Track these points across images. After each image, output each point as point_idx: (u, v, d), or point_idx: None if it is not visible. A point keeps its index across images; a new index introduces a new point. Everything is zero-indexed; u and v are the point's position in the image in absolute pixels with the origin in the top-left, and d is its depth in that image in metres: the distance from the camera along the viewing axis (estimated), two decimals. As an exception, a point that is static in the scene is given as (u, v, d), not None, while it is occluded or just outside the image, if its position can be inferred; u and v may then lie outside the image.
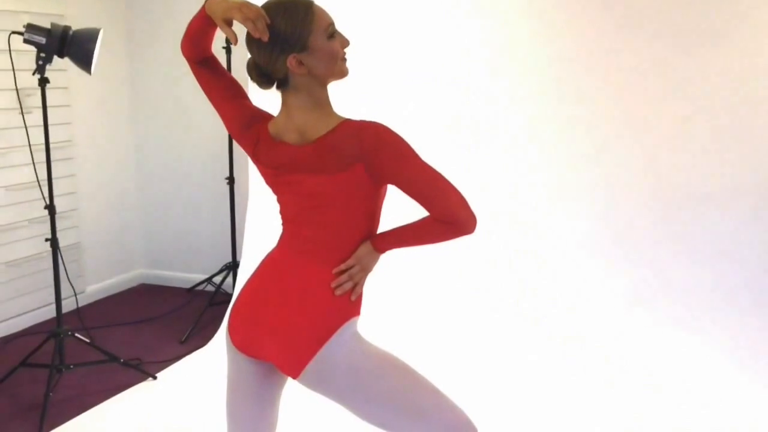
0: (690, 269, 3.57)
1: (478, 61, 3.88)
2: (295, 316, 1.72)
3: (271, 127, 1.76)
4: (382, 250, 1.77)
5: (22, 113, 3.45)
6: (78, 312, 3.45)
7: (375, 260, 1.79)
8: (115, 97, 4.85)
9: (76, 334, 3.32)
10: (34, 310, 4.27)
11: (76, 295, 3.48)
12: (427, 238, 1.72)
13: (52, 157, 4.27)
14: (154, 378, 3.49)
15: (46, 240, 3.21)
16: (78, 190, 4.57)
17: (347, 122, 1.68)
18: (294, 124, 1.70)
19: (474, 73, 3.89)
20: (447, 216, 1.64)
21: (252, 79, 1.70)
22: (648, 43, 3.55)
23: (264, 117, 1.81)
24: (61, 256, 3.24)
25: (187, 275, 5.00)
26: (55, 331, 3.25)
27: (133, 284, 5.05)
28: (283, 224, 1.82)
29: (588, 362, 3.43)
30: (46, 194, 3.25)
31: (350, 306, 1.76)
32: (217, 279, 4.70)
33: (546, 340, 3.59)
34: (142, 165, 5.02)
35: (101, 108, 4.74)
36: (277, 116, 1.76)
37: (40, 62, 3.10)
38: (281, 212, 1.81)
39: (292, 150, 1.71)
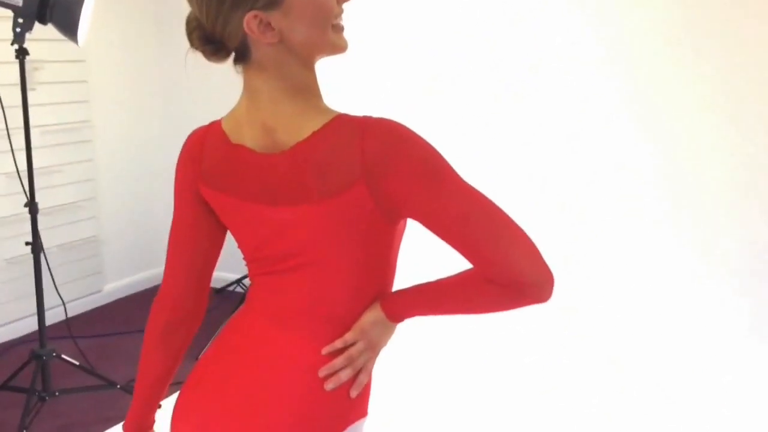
0: (695, 269, 3.43)
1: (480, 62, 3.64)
2: (268, 422, 1.10)
3: (227, 123, 1.13)
4: (399, 319, 1.14)
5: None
6: (68, 326, 2.92)
7: (388, 334, 1.16)
8: (142, 72, 4.31)
9: (63, 356, 2.80)
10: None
11: (65, 304, 2.94)
12: (472, 305, 1.07)
13: (67, 139, 3.81)
14: (159, 406, 2.94)
15: (27, 244, 2.69)
16: (97, 177, 4.06)
17: (341, 118, 1.04)
18: (259, 119, 1.08)
19: (472, 72, 3.67)
20: (508, 275, 0.99)
21: (192, 44, 1.07)
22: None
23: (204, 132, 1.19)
24: (47, 263, 2.72)
25: (218, 273, 4.46)
26: (37, 352, 2.73)
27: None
28: (250, 277, 1.20)
29: (592, 363, 3.25)
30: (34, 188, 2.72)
31: (350, 405, 1.13)
32: (248, 281, 4.16)
33: (547, 342, 3.44)
34: (169, 149, 4.48)
35: (125, 85, 4.21)
36: (237, 105, 1.13)
37: (18, 29, 2.56)
38: (246, 259, 1.19)
39: (256, 161, 1.09)
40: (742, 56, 3.18)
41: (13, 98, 3.09)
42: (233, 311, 3.58)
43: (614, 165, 3.51)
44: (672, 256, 3.47)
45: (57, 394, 2.76)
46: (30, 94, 3.48)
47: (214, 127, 1.15)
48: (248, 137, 1.09)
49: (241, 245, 1.16)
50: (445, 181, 1.01)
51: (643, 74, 3.36)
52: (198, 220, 1.19)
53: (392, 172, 1.00)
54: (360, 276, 1.11)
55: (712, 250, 3.39)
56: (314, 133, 1.03)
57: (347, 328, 1.13)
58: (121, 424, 2.83)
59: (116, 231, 4.22)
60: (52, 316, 3.75)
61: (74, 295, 3.93)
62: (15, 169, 2.61)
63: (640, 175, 3.48)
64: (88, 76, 3.95)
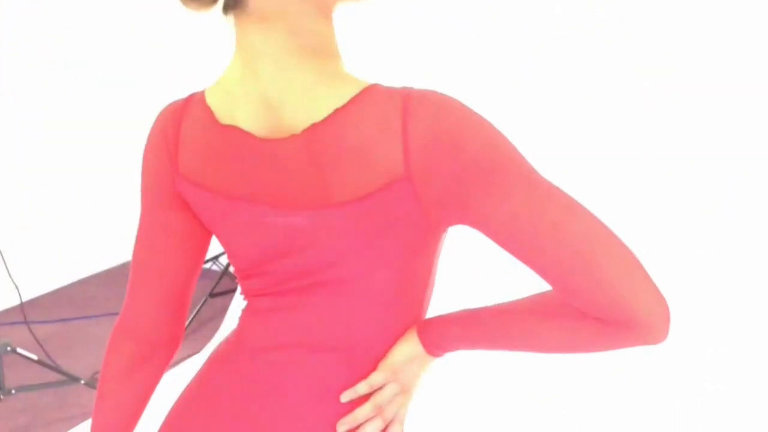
0: (696, 268, 3.36)
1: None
2: None
3: (213, 95, 0.84)
4: (440, 352, 0.87)
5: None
6: (23, 311, 2.61)
7: (422, 370, 0.89)
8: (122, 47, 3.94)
9: (18, 350, 2.50)
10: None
11: (18, 289, 2.63)
12: (549, 342, 0.80)
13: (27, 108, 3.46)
14: None
15: (-25, 225, 2.36)
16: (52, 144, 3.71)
17: (373, 91, 0.76)
18: (259, 91, 0.79)
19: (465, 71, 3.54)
20: (614, 309, 0.73)
21: None
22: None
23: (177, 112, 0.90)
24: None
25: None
26: (-12, 346, 2.43)
27: (126, 260, 4.22)
28: (246, 296, 0.92)
29: (592, 369, 3.08)
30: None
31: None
32: (225, 259, 3.87)
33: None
34: (140, 109, 4.13)
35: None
36: (227, 71, 0.84)
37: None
38: (240, 276, 0.91)
39: (255, 148, 0.81)
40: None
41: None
42: (203, 300, 3.30)
43: (617, 156, 3.39)
44: (672, 257, 3.38)
45: (13, 392, 2.47)
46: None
47: (196, 101, 0.86)
48: (243, 116, 0.80)
49: (234, 258, 0.88)
50: (519, 179, 0.74)
51: (649, 59, 3.18)
52: (174, 226, 0.90)
53: (447, 165, 0.73)
54: (394, 298, 0.84)
55: (711, 250, 3.31)
56: (337, 111, 0.75)
57: (374, 366, 0.86)
58: (87, 421, 2.56)
59: (77, 203, 3.88)
60: (6, 301, 3.43)
61: (30, 276, 3.61)
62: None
63: (643, 170, 3.36)
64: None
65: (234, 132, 0.81)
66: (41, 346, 2.69)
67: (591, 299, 0.72)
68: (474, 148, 0.73)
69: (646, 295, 0.71)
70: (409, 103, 0.74)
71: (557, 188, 0.74)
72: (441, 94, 0.75)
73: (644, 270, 0.72)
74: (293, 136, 0.77)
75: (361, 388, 0.85)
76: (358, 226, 0.77)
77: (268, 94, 0.78)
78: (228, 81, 0.82)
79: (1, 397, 2.45)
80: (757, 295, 3.27)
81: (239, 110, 0.80)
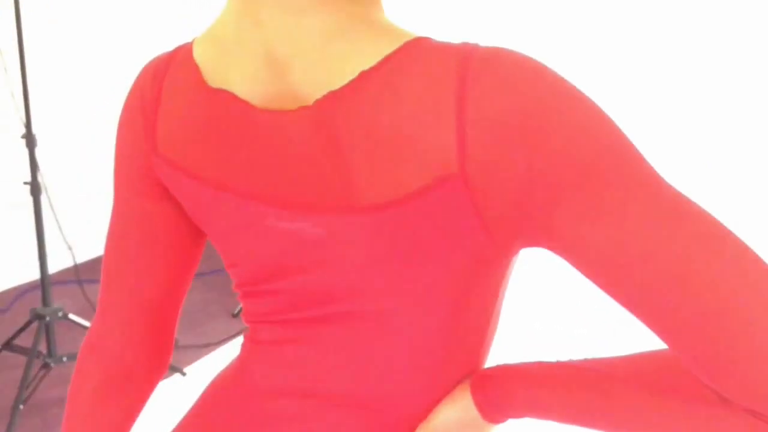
0: None
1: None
2: None
3: (203, 49, 0.60)
4: (501, 417, 0.62)
5: None
6: (77, 272, 2.50)
7: None
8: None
9: (71, 316, 2.39)
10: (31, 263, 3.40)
11: (71, 249, 2.52)
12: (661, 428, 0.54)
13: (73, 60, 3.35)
14: (183, 374, 2.55)
15: (25, 183, 2.24)
16: (110, 99, 3.60)
17: (418, 46, 0.50)
18: (261, 44, 0.55)
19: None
20: None
21: None
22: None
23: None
24: (51, 206, 2.28)
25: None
26: (39, 311, 2.33)
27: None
28: (247, 321, 0.69)
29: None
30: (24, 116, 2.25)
31: None
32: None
33: (546, 342, 3.10)
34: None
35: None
36: (220, 17, 0.61)
37: None
38: (240, 291, 0.69)
39: (253, 122, 0.57)
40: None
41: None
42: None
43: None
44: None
45: (65, 360, 2.37)
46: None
47: (182, 55, 0.63)
48: (239, 77, 0.57)
49: (231, 268, 0.66)
50: (636, 188, 0.48)
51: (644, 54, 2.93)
52: (153, 221, 0.69)
53: (523, 160, 0.48)
54: (439, 341, 0.60)
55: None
56: (363, 75, 0.51)
57: (410, 430, 0.63)
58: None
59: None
60: (60, 262, 3.36)
61: (85, 236, 3.53)
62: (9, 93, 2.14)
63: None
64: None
65: (225, 98, 0.58)
66: (94, 308, 2.59)
67: (743, 383, 0.46)
68: (566, 137, 0.48)
69: None
70: (469, 67, 0.49)
71: (697, 206, 0.48)
72: (518, 53, 0.50)
73: None
74: (303, 108, 0.54)
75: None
76: (390, 240, 0.54)
77: (271, 48, 0.54)
78: (221, 30, 0.59)
79: (53, 365, 2.36)
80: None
81: (234, 69, 0.57)
